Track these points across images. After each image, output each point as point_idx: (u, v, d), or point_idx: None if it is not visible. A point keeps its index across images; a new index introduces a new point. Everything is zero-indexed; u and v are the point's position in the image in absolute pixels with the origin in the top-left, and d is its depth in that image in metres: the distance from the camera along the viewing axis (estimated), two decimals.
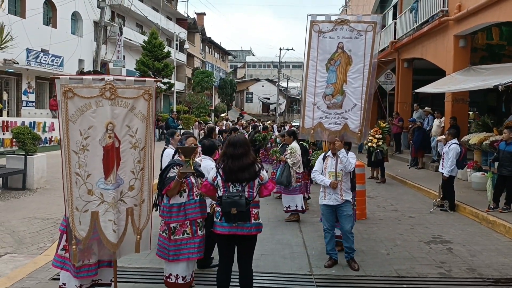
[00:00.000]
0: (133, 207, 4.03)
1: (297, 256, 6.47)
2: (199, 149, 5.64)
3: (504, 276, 5.75)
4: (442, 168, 9.72)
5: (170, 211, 4.64)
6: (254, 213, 4.38)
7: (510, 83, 9.32)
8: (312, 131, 5.93)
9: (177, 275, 4.62)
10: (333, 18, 5.88)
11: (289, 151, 8.65)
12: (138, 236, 4.09)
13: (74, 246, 3.88)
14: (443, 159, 9.76)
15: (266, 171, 4.92)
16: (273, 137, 14.48)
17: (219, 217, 4.33)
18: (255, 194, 4.40)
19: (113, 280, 4.43)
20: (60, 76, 3.80)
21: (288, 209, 8.61)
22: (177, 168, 4.56)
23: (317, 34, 5.85)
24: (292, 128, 15.04)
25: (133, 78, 3.99)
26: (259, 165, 4.52)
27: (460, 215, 9.30)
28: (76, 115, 3.78)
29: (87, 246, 4.02)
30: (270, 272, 5.75)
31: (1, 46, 8.46)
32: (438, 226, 8.35)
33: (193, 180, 4.71)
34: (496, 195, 8.94)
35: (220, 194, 4.34)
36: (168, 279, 4.68)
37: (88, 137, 3.82)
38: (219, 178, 4.39)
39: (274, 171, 9.93)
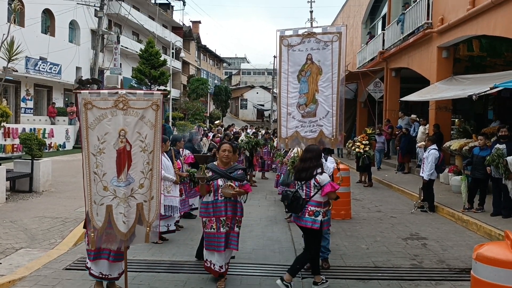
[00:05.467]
0: (143, 203, 4.66)
1: (285, 250, 7.15)
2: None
3: (468, 267, 6.38)
4: (422, 172, 10.43)
5: (202, 207, 5.57)
6: (309, 210, 5.35)
7: (483, 93, 10.04)
8: (287, 140, 6.34)
9: (210, 261, 5.51)
10: (300, 31, 6.21)
11: (292, 156, 9.26)
12: (148, 229, 4.72)
13: (92, 234, 4.54)
14: (423, 163, 10.48)
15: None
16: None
17: None
18: (311, 193, 5.36)
19: (119, 274, 5.09)
20: (81, 91, 4.48)
21: None
22: (207, 171, 5.39)
23: (287, 48, 6.20)
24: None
25: (142, 92, 4.68)
26: (320, 170, 5.41)
27: (438, 215, 10.02)
28: (94, 123, 4.47)
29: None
30: (260, 263, 6.41)
31: (12, 59, 9.09)
32: (417, 225, 9.06)
33: (220, 182, 5.37)
34: (470, 196, 9.68)
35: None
36: (205, 263, 5.59)
37: (104, 142, 4.50)
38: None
39: (279, 173, 10.46)
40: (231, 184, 5.34)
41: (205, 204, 5.47)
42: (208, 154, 5.80)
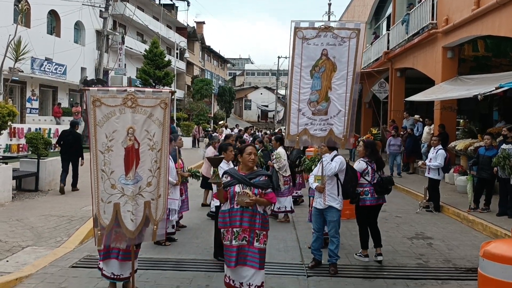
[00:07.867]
0: (150, 201, 4.68)
1: (290, 249, 7.17)
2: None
3: (475, 266, 6.36)
4: (428, 173, 10.38)
5: (219, 217, 4.84)
6: None
7: (489, 93, 10.02)
8: (297, 137, 6.02)
9: (227, 275, 4.81)
10: (317, 24, 5.83)
11: (274, 157, 9.25)
12: (155, 227, 4.73)
13: (99, 232, 4.55)
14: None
15: None
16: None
17: (369, 194, 6.47)
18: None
19: (131, 273, 5.01)
20: (90, 88, 4.50)
21: (278, 210, 9.03)
22: (225, 176, 4.81)
23: (301, 40, 5.80)
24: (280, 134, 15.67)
25: (151, 90, 4.70)
26: None
27: (444, 215, 10.00)
28: (102, 121, 4.48)
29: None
30: (266, 262, 6.40)
31: (19, 58, 9.16)
32: (422, 224, 9.04)
33: (237, 189, 4.66)
34: (476, 196, 9.65)
35: (368, 179, 6.50)
36: (224, 278, 4.85)
37: (112, 140, 4.51)
38: (369, 168, 6.52)
39: None
40: (247, 191, 4.63)
41: (223, 213, 4.76)
42: (222, 156, 5.56)
